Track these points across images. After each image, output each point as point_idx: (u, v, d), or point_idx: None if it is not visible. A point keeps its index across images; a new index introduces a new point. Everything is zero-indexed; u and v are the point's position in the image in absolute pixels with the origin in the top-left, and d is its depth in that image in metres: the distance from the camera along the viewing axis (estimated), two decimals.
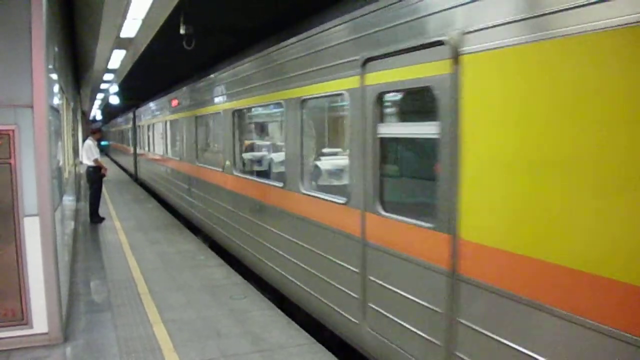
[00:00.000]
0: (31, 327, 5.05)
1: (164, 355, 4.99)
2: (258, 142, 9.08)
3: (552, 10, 2.72)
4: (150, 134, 17.94)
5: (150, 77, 16.81)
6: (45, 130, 4.93)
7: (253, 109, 8.13)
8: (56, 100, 6.48)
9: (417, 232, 3.91)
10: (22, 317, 5.02)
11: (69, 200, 9.23)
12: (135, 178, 23.18)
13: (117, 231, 11.17)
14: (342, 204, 4.93)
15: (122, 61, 12.20)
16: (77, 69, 15.64)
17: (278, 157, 7.28)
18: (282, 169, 6.64)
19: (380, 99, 4.35)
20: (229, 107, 8.37)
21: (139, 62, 12.35)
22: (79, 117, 21.21)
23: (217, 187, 9.34)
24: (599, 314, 2.56)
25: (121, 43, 9.67)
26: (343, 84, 4.81)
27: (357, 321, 4.76)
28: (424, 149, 4.27)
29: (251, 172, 8.43)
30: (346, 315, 4.95)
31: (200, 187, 10.71)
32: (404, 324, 4.09)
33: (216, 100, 9.33)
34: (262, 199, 7.11)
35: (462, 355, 3.46)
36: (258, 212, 7.30)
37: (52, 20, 5.84)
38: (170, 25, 8.00)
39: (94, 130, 12.92)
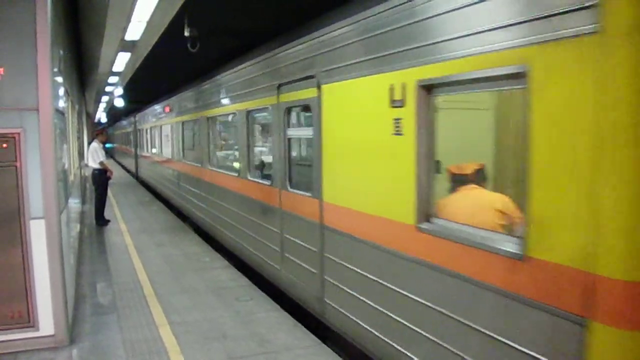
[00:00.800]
0: (37, 329, 5.07)
1: (170, 357, 4.99)
2: (225, 142, 10.99)
3: (347, 63, 4.80)
4: (148, 137, 19.92)
5: (155, 79, 16.84)
6: (50, 133, 4.95)
7: (220, 117, 10.06)
8: (61, 103, 6.50)
9: (305, 199, 5.86)
10: (28, 320, 5.04)
11: (74, 203, 9.25)
12: (136, 177, 24.59)
13: (123, 233, 11.20)
14: (269, 185, 6.97)
15: (127, 64, 12.22)
16: (82, 71, 15.68)
17: (236, 154, 9.09)
18: (237, 163, 8.70)
19: (288, 111, 6.36)
20: (204, 115, 10.53)
21: (143, 64, 12.37)
22: (84, 119, 21.29)
23: (197, 179, 11.31)
24: (377, 238, 4.44)
25: (126, 46, 9.68)
26: (268, 101, 6.83)
27: (278, 267, 6.73)
28: (309, 145, 6.08)
29: (219, 166, 10.21)
30: (272, 264, 6.95)
31: (186, 181, 12.69)
32: (301, 264, 6.02)
33: (195, 109, 11.49)
34: (226, 186, 9.15)
35: (328, 278, 5.38)
36: (225, 197, 9.24)
37: (57, 23, 5.86)
38: (174, 27, 8.01)
39: (98, 132, 12.91)
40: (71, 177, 8.70)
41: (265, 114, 7.43)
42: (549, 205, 2.83)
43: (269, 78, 6.75)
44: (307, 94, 5.65)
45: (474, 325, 3.38)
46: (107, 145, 34.39)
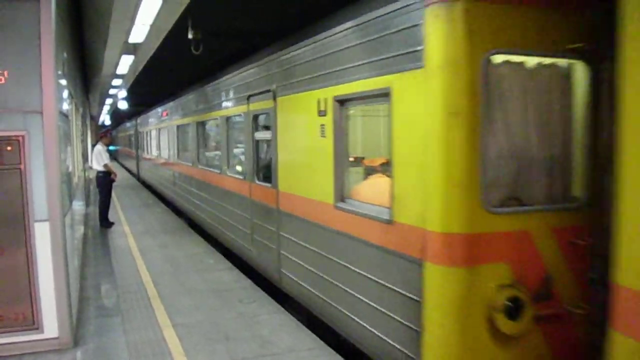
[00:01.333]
0: (42, 331, 5.08)
1: (174, 359, 4.99)
2: (212, 144, 12.04)
3: (292, 81, 6.11)
4: (148, 139, 20.90)
5: (159, 82, 16.87)
6: (54, 136, 4.96)
7: (206, 122, 11.43)
8: (65, 106, 6.52)
9: (267, 190, 7.14)
10: (32, 322, 5.05)
11: (78, 205, 9.28)
12: (137, 177, 25.41)
13: (127, 235, 11.22)
14: (242, 179, 8.31)
15: (131, 66, 12.25)
16: (86, 74, 15.73)
17: (219, 153, 10.35)
18: (220, 161, 9.99)
19: (255, 118, 7.70)
20: (195, 119, 11.84)
21: (147, 67, 12.40)
22: (87, 122, 21.36)
23: (190, 177, 12.64)
24: (311, 216, 5.73)
25: (129, 48, 9.71)
26: (241, 109, 8.22)
27: (250, 248, 7.97)
28: (270, 146, 7.22)
29: (207, 165, 11.36)
30: (245, 245, 8.24)
31: (181, 179, 13.89)
32: (264, 242, 7.29)
33: (188, 114, 12.71)
34: (211, 181, 10.46)
35: (282, 251, 6.63)
36: (210, 191, 10.51)
37: (61, 26, 5.88)
38: (178, 30, 8.03)
39: (102, 135, 12.94)
40: (75, 180, 8.73)
41: (239, 120, 8.69)
42: (403, 184, 4.14)
43: (242, 90, 8.11)
44: (267, 104, 6.96)
45: (368, 275, 4.64)
46: (111, 147, 34.44)
